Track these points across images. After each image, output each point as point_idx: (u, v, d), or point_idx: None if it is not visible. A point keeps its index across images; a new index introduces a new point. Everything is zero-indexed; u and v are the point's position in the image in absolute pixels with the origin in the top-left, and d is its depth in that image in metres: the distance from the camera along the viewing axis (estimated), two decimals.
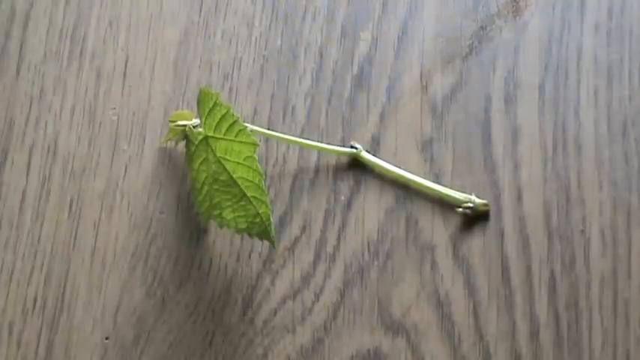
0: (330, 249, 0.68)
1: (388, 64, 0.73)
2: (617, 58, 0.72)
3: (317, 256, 0.68)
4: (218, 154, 0.66)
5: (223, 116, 0.65)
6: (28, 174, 0.70)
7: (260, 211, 0.65)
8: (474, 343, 0.66)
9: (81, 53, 0.73)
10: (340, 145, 0.70)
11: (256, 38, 0.74)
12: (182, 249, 0.68)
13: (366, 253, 0.68)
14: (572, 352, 0.65)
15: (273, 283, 0.67)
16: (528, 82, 0.71)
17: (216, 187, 0.66)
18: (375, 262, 0.68)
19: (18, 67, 0.73)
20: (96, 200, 0.70)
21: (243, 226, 0.66)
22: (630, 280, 0.67)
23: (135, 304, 0.67)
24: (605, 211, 0.68)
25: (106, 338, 0.67)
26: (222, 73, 0.73)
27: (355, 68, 0.72)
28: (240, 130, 0.65)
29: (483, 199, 0.69)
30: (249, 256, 0.68)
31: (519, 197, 0.69)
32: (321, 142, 0.70)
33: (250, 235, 0.66)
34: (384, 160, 0.70)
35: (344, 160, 0.70)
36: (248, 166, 0.65)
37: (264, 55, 0.73)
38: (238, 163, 0.65)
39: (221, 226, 0.66)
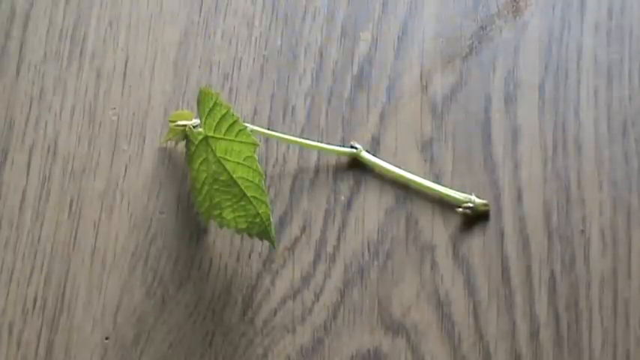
0: (330, 249, 0.68)
1: (388, 64, 0.73)
2: (617, 58, 0.72)
3: (317, 256, 0.68)
4: (218, 154, 0.66)
5: (223, 116, 0.65)
6: (28, 174, 0.70)
7: (260, 211, 0.65)
8: (473, 343, 0.66)
9: (81, 53, 0.73)
10: (340, 145, 0.70)
11: (256, 38, 0.74)
12: (182, 249, 0.68)
13: (366, 253, 0.68)
14: (572, 352, 0.65)
15: (273, 283, 0.67)
16: (528, 82, 0.71)
17: (216, 187, 0.66)
18: (375, 262, 0.68)
19: (18, 67, 0.73)
20: (96, 200, 0.70)
21: (243, 226, 0.66)
22: (630, 280, 0.67)
23: (135, 304, 0.67)
24: (605, 211, 0.68)
25: (106, 338, 0.67)
26: (222, 73, 0.73)
27: (355, 68, 0.72)
28: (240, 130, 0.65)
29: (483, 199, 0.68)
30: (249, 256, 0.68)
31: (519, 197, 0.69)
32: (321, 142, 0.70)
33: (250, 235, 0.66)
34: (384, 160, 0.70)
35: (344, 160, 0.70)
36: (248, 166, 0.65)
37: (264, 55, 0.73)
38: (238, 163, 0.65)
39: (221, 226, 0.66)
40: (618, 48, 0.72)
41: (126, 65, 0.73)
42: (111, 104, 0.72)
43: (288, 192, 0.70)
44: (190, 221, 0.69)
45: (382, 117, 0.71)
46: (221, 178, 0.66)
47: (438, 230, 0.68)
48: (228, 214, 0.66)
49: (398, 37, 0.73)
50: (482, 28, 0.73)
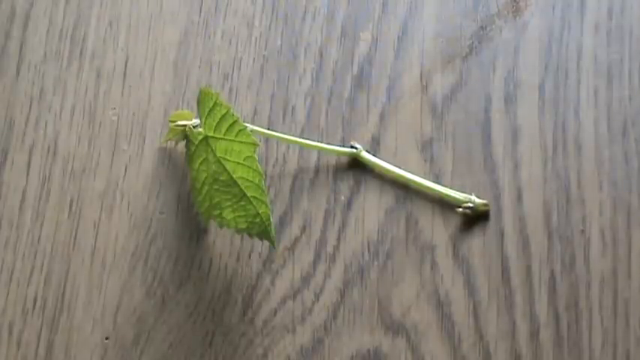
0: (330, 249, 0.68)
1: (388, 64, 0.73)
2: (617, 58, 0.72)
3: (317, 256, 0.68)
4: (218, 154, 0.66)
5: (223, 116, 0.65)
6: (28, 174, 0.70)
7: (260, 211, 0.65)
8: (474, 343, 0.66)
9: (81, 53, 0.73)
10: (340, 145, 0.70)
11: (256, 38, 0.74)
12: (182, 249, 0.68)
13: (366, 253, 0.68)
14: (572, 352, 0.65)
15: (273, 283, 0.67)
16: (528, 82, 0.71)
17: (216, 187, 0.66)
18: (375, 262, 0.68)
19: (18, 67, 0.73)
20: (96, 200, 0.70)
21: (243, 226, 0.66)
22: (630, 280, 0.67)
23: (135, 304, 0.67)
24: (605, 211, 0.68)
25: (106, 338, 0.67)
26: (222, 73, 0.73)
27: (355, 68, 0.72)
28: (240, 130, 0.65)
29: (483, 199, 0.68)
30: (249, 256, 0.68)
31: (519, 197, 0.69)
32: (321, 142, 0.70)
33: (250, 235, 0.66)
34: (384, 160, 0.70)
35: (344, 160, 0.70)
36: (248, 166, 0.65)
37: (264, 55, 0.73)
38: (238, 163, 0.65)
39: (221, 226, 0.66)
40: (618, 48, 0.72)
41: (126, 65, 0.73)
42: (111, 104, 0.72)
43: (288, 192, 0.70)
44: (190, 221, 0.69)
45: (382, 117, 0.71)
46: (221, 178, 0.66)
47: (438, 230, 0.68)
48: (228, 214, 0.66)
49: (398, 37, 0.73)
50: (482, 28, 0.73)
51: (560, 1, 0.73)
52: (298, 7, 0.74)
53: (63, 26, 0.74)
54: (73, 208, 0.69)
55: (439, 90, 0.72)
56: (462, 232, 0.68)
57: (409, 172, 0.69)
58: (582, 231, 0.68)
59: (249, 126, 0.66)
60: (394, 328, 0.66)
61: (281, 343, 0.66)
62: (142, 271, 0.68)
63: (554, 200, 0.69)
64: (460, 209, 0.68)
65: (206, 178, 0.66)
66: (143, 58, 0.73)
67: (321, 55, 0.73)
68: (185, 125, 0.68)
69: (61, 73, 0.73)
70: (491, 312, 0.66)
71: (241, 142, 0.65)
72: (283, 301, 0.67)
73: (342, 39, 0.73)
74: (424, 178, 0.69)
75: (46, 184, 0.70)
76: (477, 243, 0.68)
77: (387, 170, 0.69)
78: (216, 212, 0.66)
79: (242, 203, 0.66)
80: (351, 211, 0.69)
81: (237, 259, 0.68)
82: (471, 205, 0.68)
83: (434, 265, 0.68)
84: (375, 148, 0.70)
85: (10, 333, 0.67)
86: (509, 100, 0.71)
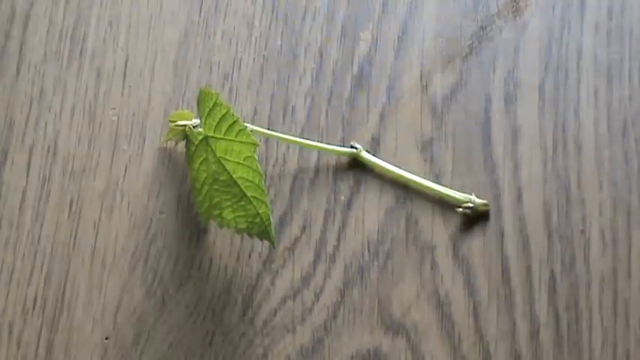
0: (330, 249, 0.68)
1: (388, 64, 0.73)
2: (617, 58, 0.72)
3: (317, 256, 0.68)
4: (218, 154, 0.66)
5: (223, 116, 0.65)
6: (28, 174, 0.70)
7: (260, 211, 0.65)
8: (474, 343, 0.66)
9: (81, 53, 0.73)
10: (340, 145, 0.70)
11: (256, 38, 0.74)
12: (182, 249, 0.68)
13: (366, 253, 0.68)
14: (572, 352, 0.65)
15: (273, 283, 0.67)
16: (528, 82, 0.71)
17: (216, 187, 0.66)
18: (375, 262, 0.68)
19: (18, 67, 0.73)
20: (96, 200, 0.70)
21: (243, 226, 0.66)
22: (630, 280, 0.67)
23: (135, 304, 0.67)
24: (605, 211, 0.68)
25: (106, 338, 0.67)
26: (222, 73, 0.73)
27: (355, 68, 0.72)
28: (240, 130, 0.65)
29: (483, 199, 0.68)
30: (249, 256, 0.68)
31: (519, 197, 0.69)
32: (321, 142, 0.70)
33: (250, 235, 0.66)
34: (384, 160, 0.70)
35: (344, 160, 0.70)
36: (248, 166, 0.65)
37: (264, 55, 0.73)
38: (238, 163, 0.65)
39: (221, 226, 0.66)
40: (618, 48, 0.72)
41: (126, 65, 0.73)
42: (111, 104, 0.72)
43: (288, 192, 0.70)
44: (190, 221, 0.69)
45: (382, 117, 0.71)
46: (221, 178, 0.66)
47: (438, 230, 0.68)
48: (228, 214, 0.66)
49: (398, 37, 0.73)
50: (482, 28, 0.73)
51: (560, 1, 0.73)
52: (298, 7, 0.74)
53: (63, 26, 0.74)
54: (73, 208, 0.69)
55: (439, 90, 0.72)
56: (462, 232, 0.68)
57: (409, 172, 0.69)
58: (582, 231, 0.68)
59: (249, 126, 0.66)
60: (394, 328, 0.66)
61: (281, 343, 0.66)
62: (142, 271, 0.68)
63: (554, 200, 0.69)
64: (460, 209, 0.68)
65: (206, 178, 0.66)
66: (143, 58, 0.73)
67: (321, 55, 0.73)
68: (185, 125, 0.68)
69: (61, 73, 0.73)
70: (491, 312, 0.66)
71: (241, 142, 0.65)
72: (283, 301, 0.67)
73: (342, 39, 0.73)
74: (424, 178, 0.69)
75: (46, 184, 0.70)
76: (477, 243, 0.68)
77: (387, 170, 0.69)
78: (216, 212, 0.66)
79: (242, 203, 0.66)
80: (351, 211, 0.69)
81: (237, 259, 0.68)
82: (471, 205, 0.68)
83: (434, 265, 0.68)
84: (375, 148, 0.70)
85: (10, 333, 0.67)
86: (509, 100, 0.71)
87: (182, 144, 0.69)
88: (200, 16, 0.74)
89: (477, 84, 0.72)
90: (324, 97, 0.72)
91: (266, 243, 0.67)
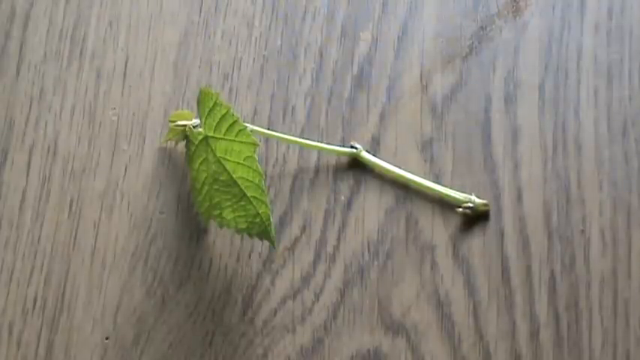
0: (330, 249, 0.68)
1: (388, 64, 0.73)
2: (617, 58, 0.72)
3: (317, 256, 0.68)
4: (218, 154, 0.66)
5: (223, 116, 0.65)
6: (28, 174, 0.70)
7: (260, 211, 0.65)
8: (474, 343, 0.66)
9: (81, 53, 0.73)
10: (340, 145, 0.70)
11: (256, 38, 0.74)
12: (182, 249, 0.68)
13: (366, 253, 0.68)
14: (572, 352, 0.65)
15: (273, 283, 0.67)
16: (528, 82, 0.71)
17: (216, 187, 0.66)
18: (375, 262, 0.68)
19: (18, 67, 0.73)
20: (96, 200, 0.70)
21: (243, 226, 0.66)
22: (630, 280, 0.67)
23: (135, 304, 0.67)
24: (605, 211, 0.68)
25: (106, 338, 0.67)
26: (222, 73, 0.73)
27: (355, 68, 0.72)
28: (240, 130, 0.65)
29: (483, 199, 0.68)
30: (249, 256, 0.68)
31: (519, 197, 0.69)
32: (321, 142, 0.70)
33: (250, 235, 0.66)
34: (384, 160, 0.70)
35: (344, 160, 0.70)
36: (248, 166, 0.65)
37: (264, 55, 0.73)
38: (238, 163, 0.65)
39: (221, 226, 0.66)
40: (618, 48, 0.72)
41: (126, 65, 0.73)
42: (111, 104, 0.72)
43: (288, 192, 0.70)
44: (190, 221, 0.69)
45: (382, 117, 0.71)
46: (221, 178, 0.66)
47: (438, 230, 0.68)
48: (228, 214, 0.66)
49: (398, 37, 0.73)
50: (482, 28, 0.73)
51: (560, 1, 0.73)
52: (298, 7, 0.74)
53: (63, 26, 0.74)
54: (73, 208, 0.69)
55: (439, 90, 0.72)
56: (462, 232, 0.68)
57: (409, 172, 0.69)
58: (582, 231, 0.68)
59: (249, 126, 0.66)
60: (394, 328, 0.66)
61: (281, 343, 0.66)
62: (142, 271, 0.68)
63: (554, 200, 0.69)
64: (460, 209, 0.68)
65: (206, 178, 0.66)
66: (143, 58, 0.73)
67: (321, 55, 0.73)
68: (185, 125, 0.68)
69: (61, 73, 0.73)
70: (491, 312, 0.66)
71: (241, 142, 0.65)
72: (283, 301, 0.67)
73: (342, 39, 0.73)
74: (424, 178, 0.69)
75: (46, 184, 0.70)
76: (477, 243, 0.68)
77: (387, 170, 0.69)
78: (216, 212, 0.66)
79: (242, 203, 0.66)
80: (351, 211, 0.69)
81: (237, 259, 0.68)
82: (471, 205, 0.68)
83: (434, 265, 0.68)
84: (375, 148, 0.70)
85: (10, 333, 0.67)
86: (509, 100, 0.71)
87: (182, 144, 0.69)
88: (200, 16, 0.74)
89: (477, 84, 0.72)
90: (324, 97, 0.72)
91: (266, 243, 0.67)
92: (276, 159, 0.70)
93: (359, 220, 0.69)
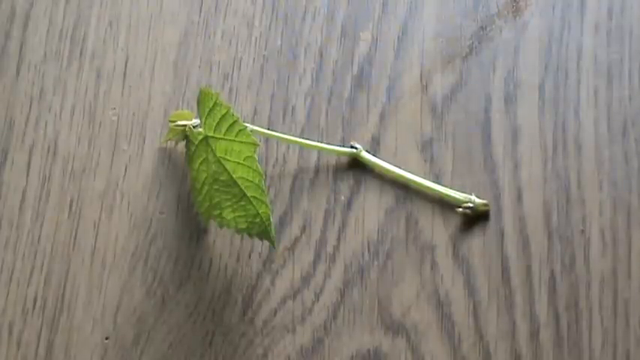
0: (330, 249, 0.68)
1: (388, 64, 0.73)
2: (617, 58, 0.72)
3: (317, 256, 0.68)
4: (218, 154, 0.66)
5: (223, 116, 0.65)
6: (28, 174, 0.70)
7: (260, 211, 0.65)
8: (474, 343, 0.66)
9: (81, 53, 0.73)
10: (340, 145, 0.70)
11: (256, 38, 0.74)
12: (182, 249, 0.68)
13: (366, 253, 0.68)
14: (572, 352, 0.65)
15: (273, 283, 0.67)
16: (528, 82, 0.71)
17: (216, 187, 0.66)
18: (375, 262, 0.68)
19: (18, 67, 0.73)
20: (96, 200, 0.70)
21: (243, 226, 0.66)
22: (630, 280, 0.67)
23: (135, 304, 0.67)
24: (605, 211, 0.68)
25: (106, 338, 0.67)
26: (222, 73, 0.73)
27: (355, 68, 0.72)
28: (240, 130, 0.65)
29: (483, 199, 0.68)
30: (249, 256, 0.68)
31: (519, 197, 0.69)
32: (321, 142, 0.70)
33: (250, 235, 0.66)
34: (384, 160, 0.70)
35: (344, 160, 0.70)
36: (248, 166, 0.65)
37: (264, 55, 0.73)
38: (238, 163, 0.65)
39: (221, 226, 0.66)
40: (618, 48, 0.72)
41: (126, 65, 0.73)
42: (111, 104, 0.72)
43: (288, 192, 0.70)
44: (190, 221, 0.69)
45: (382, 117, 0.71)
46: (221, 178, 0.66)
47: (438, 230, 0.68)
48: (228, 214, 0.66)
49: (398, 37, 0.73)
50: (482, 28, 0.73)
51: (560, 1, 0.73)
52: (298, 7, 0.74)
53: (63, 26, 0.74)
54: (73, 208, 0.69)
55: (439, 90, 0.72)
56: (462, 232, 0.68)
57: (409, 172, 0.69)
58: (582, 231, 0.68)
59: (249, 126, 0.66)
60: (394, 328, 0.66)
61: (281, 343, 0.66)
62: (142, 271, 0.68)
63: (554, 200, 0.69)
64: (460, 209, 0.68)
65: (206, 178, 0.66)
66: (143, 58, 0.73)
67: (321, 55, 0.73)
68: (185, 125, 0.68)
69: (61, 73, 0.73)
70: (491, 312, 0.66)
71: (241, 142, 0.65)
72: (283, 301, 0.67)
73: (342, 39, 0.73)
74: (424, 178, 0.69)
75: (46, 184, 0.70)
76: (477, 243, 0.68)
77: (387, 170, 0.69)
78: (216, 212, 0.66)
79: (242, 203, 0.66)
80: (351, 211, 0.69)
81: (237, 259, 0.68)
82: (471, 205, 0.68)
83: (434, 265, 0.68)
84: (375, 148, 0.70)
85: (10, 333, 0.67)
86: (509, 100, 0.71)
87: (182, 144, 0.69)
88: (200, 16, 0.74)
89: (477, 84, 0.72)
90: (324, 97, 0.72)
91: (266, 243, 0.67)
92: (276, 159, 0.70)
93: (359, 220, 0.69)
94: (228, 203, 0.66)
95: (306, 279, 0.68)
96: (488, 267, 0.67)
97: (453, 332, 0.66)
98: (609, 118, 0.70)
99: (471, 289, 0.67)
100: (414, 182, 0.69)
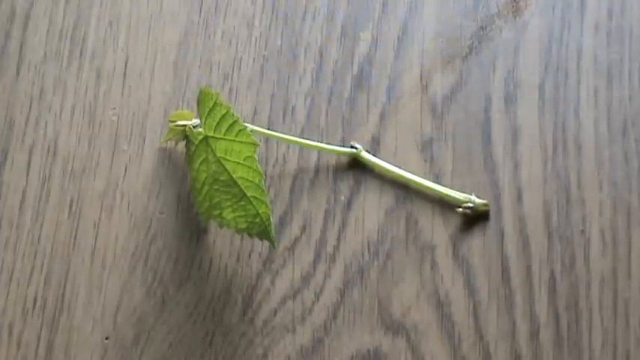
0: (330, 249, 0.68)
1: (388, 64, 0.73)
2: (617, 58, 0.72)
3: (317, 256, 0.68)
4: (218, 154, 0.66)
5: (223, 116, 0.65)
6: (28, 174, 0.70)
7: (260, 211, 0.65)
8: (474, 343, 0.66)
9: (81, 53, 0.73)
10: (340, 145, 0.70)
11: (256, 38, 0.74)
12: (182, 249, 0.68)
13: (366, 253, 0.68)
14: (572, 352, 0.65)
15: (273, 283, 0.67)
16: (528, 82, 0.71)
17: (216, 187, 0.66)
18: (375, 262, 0.68)
19: (18, 67, 0.73)
20: (96, 200, 0.70)
21: (243, 226, 0.66)
22: (630, 280, 0.67)
23: (135, 304, 0.67)
24: (605, 211, 0.68)
25: (106, 338, 0.67)
26: (222, 73, 0.73)
27: (355, 68, 0.72)
28: (240, 130, 0.65)
29: (483, 199, 0.68)
30: (249, 256, 0.68)
31: (519, 197, 0.69)
32: (321, 142, 0.70)
33: (250, 235, 0.66)
34: (384, 160, 0.70)
35: (344, 160, 0.70)
36: (248, 166, 0.65)
37: (264, 55, 0.73)
38: (238, 163, 0.65)
39: (221, 226, 0.66)
40: (618, 48, 0.72)
41: (126, 65, 0.73)
42: (111, 104, 0.72)
43: (288, 192, 0.70)
44: (190, 221, 0.69)
45: (382, 117, 0.71)
46: (221, 178, 0.66)
47: (438, 230, 0.68)
48: (228, 214, 0.66)
49: (398, 37, 0.73)
50: (482, 28, 0.73)
51: (560, 1, 0.73)
52: (298, 7, 0.74)
53: (63, 26, 0.74)
54: (73, 208, 0.69)
55: (439, 90, 0.72)
56: (462, 232, 0.68)
57: (409, 172, 0.69)
58: (582, 231, 0.68)
59: (249, 126, 0.66)
60: (394, 328, 0.66)
61: (281, 343, 0.66)
62: (142, 271, 0.68)
63: (554, 200, 0.69)
64: (460, 209, 0.68)
65: (206, 178, 0.66)
66: (143, 58, 0.73)
67: (321, 55, 0.73)
68: (185, 125, 0.68)
69: (61, 73, 0.73)
70: (491, 312, 0.66)
71: (241, 142, 0.65)
72: (283, 301, 0.67)
73: (342, 39, 0.73)
74: (424, 178, 0.69)
75: (46, 184, 0.70)
76: (477, 243, 0.68)
77: (387, 170, 0.69)
78: (216, 212, 0.66)
79: (242, 203, 0.66)
80: (351, 211, 0.69)
81: (237, 259, 0.68)
82: (471, 205, 0.68)
83: (434, 265, 0.68)
84: (375, 148, 0.70)
85: (10, 333, 0.67)
86: (509, 100, 0.71)
87: (182, 144, 0.69)
88: (200, 16, 0.74)
89: (477, 84, 0.72)
90: (324, 97, 0.72)
91: (266, 243, 0.67)
92: (276, 159, 0.70)
93: (359, 220, 0.69)
94: (228, 203, 0.66)
95: (306, 279, 0.68)
96: (488, 267, 0.67)
97: (453, 332, 0.66)
98: (609, 118, 0.70)
99: (471, 289, 0.67)
100: (414, 182, 0.69)
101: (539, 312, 0.66)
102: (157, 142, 0.71)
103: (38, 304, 0.67)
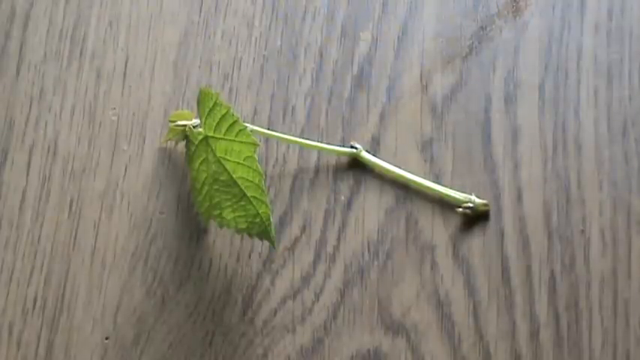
0: (330, 249, 0.68)
1: (388, 64, 0.73)
2: (617, 58, 0.72)
3: (317, 256, 0.68)
4: (218, 154, 0.66)
5: (223, 116, 0.65)
6: (28, 174, 0.70)
7: (260, 211, 0.65)
8: (474, 343, 0.66)
9: (81, 53, 0.73)
10: (340, 145, 0.70)
11: (256, 38, 0.74)
12: (182, 249, 0.68)
13: (366, 253, 0.68)
14: (572, 352, 0.65)
15: (273, 283, 0.67)
16: (528, 82, 0.71)
17: (216, 187, 0.66)
18: (375, 262, 0.68)
19: (18, 67, 0.73)
20: (96, 200, 0.70)
21: (243, 226, 0.66)
22: (630, 280, 0.67)
23: (135, 304, 0.67)
24: (605, 211, 0.68)
25: (106, 338, 0.67)
26: (222, 73, 0.73)
27: (355, 68, 0.72)
28: (240, 130, 0.65)
29: (483, 199, 0.68)
30: (249, 256, 0.68)
31: (519, 197, 0.69)
32: (321, 142, 0.70)
33: (250, 235, 0.66)
34: (384, 160, 0.70)
35: (344, 160, 0.70)
36: (248, 166, 0.65)
37: (264, 55, 0.73)
38: (238, 163, 0.65)
39: (221, 226, 0.66)
40: (618, 48, 0.72)
41: (126, 65, 0.73)
42: (111, 104, 0.72)
43: (288, 192, 0.70)
44: (190, 221, 0.69)
45: (382, 117, 0.71)
46: (221, 178, 0.66)
47: (438, 230, 0.68)
48: (228, 214, 0.66)
49: (398, 37, 0.73)
50: (482, 28, 0.73)
51: (560, 1, 0.73)
52: (298, 7, 0.74)
53: (63, 26, 0.74)
54: (73, 208, 0.69)
55: (439, 90, 0.72)
56: (462, 232, 0.68)
57: (409, 172, 0.69)
58: (582, 231, 0.68)
59: (249, 126, 0.66)
60: (394, 328, 0.66)
61: (281, 343, 0.66)
62: (142, 271, 0.68)
63: (554, 200, 0.69)
64: (460, 209, 0.68)
65: (206, 178, 0.66)
66: (143, 58, 0.73)
67: (321, 55, 0.73)
68: (185, 125, 0.68)
69: (61, 73, 0.73)
70: (491, 312, 0.66)
71: (241, 142, 0.65)
72: (283, 301, 0.67)
73: (342, 39, 0.73)
74: (424, 178, 0.69)
75: (46, 184, 0.70)
76: (477, 243, 0.68)
77: (387, 170, 0.69)
78: (216, 212, 0.66)
79: (242, 203, 0.66)
80: (351, 211, 0.69)
81: (237, 259, 0.68)
82: (471, 205, 0.68)
83: (434, 265, 0.68)
84: (375, 148, 0.70)
85: (10, 333, 0.67)
86: (509, 100, 0.71)
87: (182, 144, 0.69)
88: (200, 16, 0.74)
89: (477, 84, 0.72)
90: (324, 97, 0.72)
91: (266, 243, 0.67)
92: (276, 159, 0.70)
93: (359, 220, 0.69)
94: (228, 203, 0.66)
95: (306, 279, 0.68)
96: (488, 267, 0.67)
97: (453, 332, 0.66)
98: (609, 118, 0.70)
99: (471, 289, 0.67)
100: (414, 182, 0.69)
101: (539, 312, 0.66)
102: (157, 142, 0.71)
103: (38, 304, 0.67)
